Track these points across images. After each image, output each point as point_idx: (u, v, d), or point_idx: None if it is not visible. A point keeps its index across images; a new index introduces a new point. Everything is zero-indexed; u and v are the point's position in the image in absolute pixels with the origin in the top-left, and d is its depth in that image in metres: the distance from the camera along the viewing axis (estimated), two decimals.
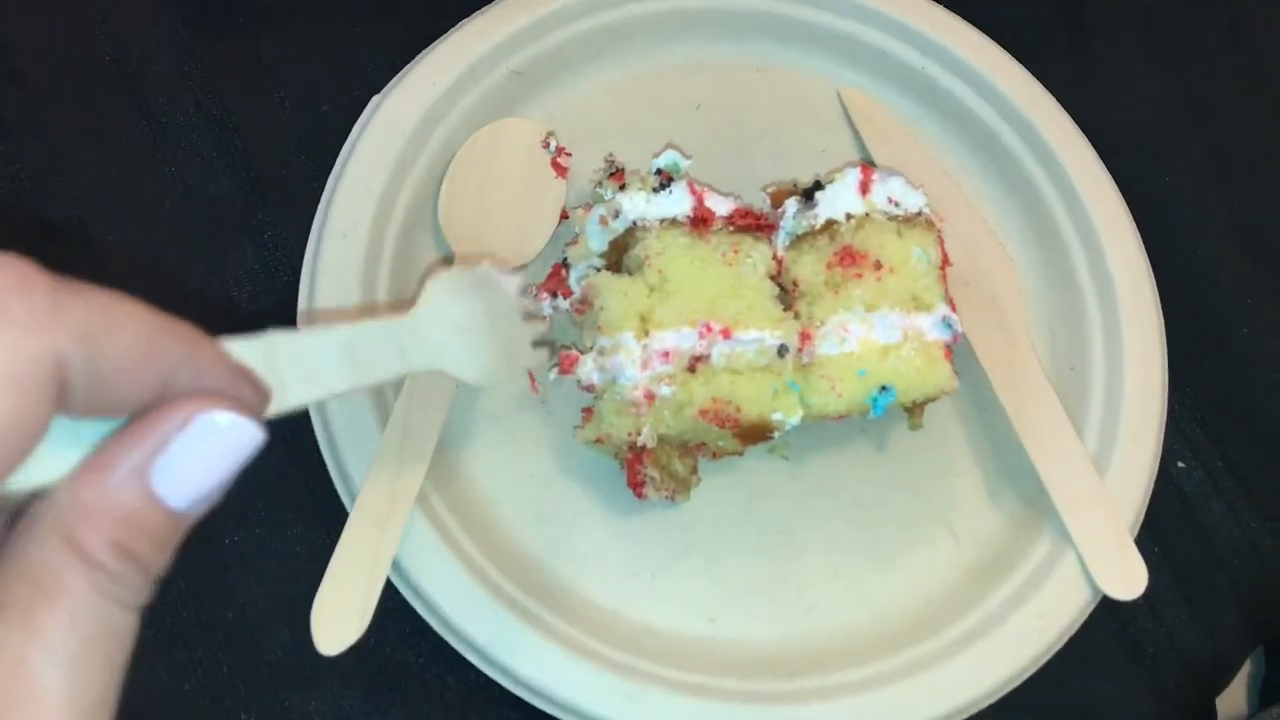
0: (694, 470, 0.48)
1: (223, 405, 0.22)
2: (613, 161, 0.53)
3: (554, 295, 0.51)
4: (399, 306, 0.49)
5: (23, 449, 0.20)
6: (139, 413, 0.22)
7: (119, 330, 0.21)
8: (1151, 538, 0.51)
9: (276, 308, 0.52)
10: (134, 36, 0.57)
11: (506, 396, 0.50)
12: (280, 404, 0.27)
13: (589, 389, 0.47)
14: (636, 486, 0.47)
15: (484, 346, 0.38)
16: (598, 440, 0.46)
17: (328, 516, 0.46)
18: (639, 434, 0.45)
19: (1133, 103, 0.62)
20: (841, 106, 0.58)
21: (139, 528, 0.21)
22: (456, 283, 0.37)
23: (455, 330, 0.36)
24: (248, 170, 0.54)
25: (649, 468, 0.47)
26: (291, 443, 0.49)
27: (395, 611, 0.45)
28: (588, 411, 0.47)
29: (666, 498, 0.47)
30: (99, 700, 0.21)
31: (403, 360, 0.34)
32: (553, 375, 0.48)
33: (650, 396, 0.45)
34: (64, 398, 0.20)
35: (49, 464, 0.22)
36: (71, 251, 0.52)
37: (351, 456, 0.46)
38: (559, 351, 0.47)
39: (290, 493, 0.49)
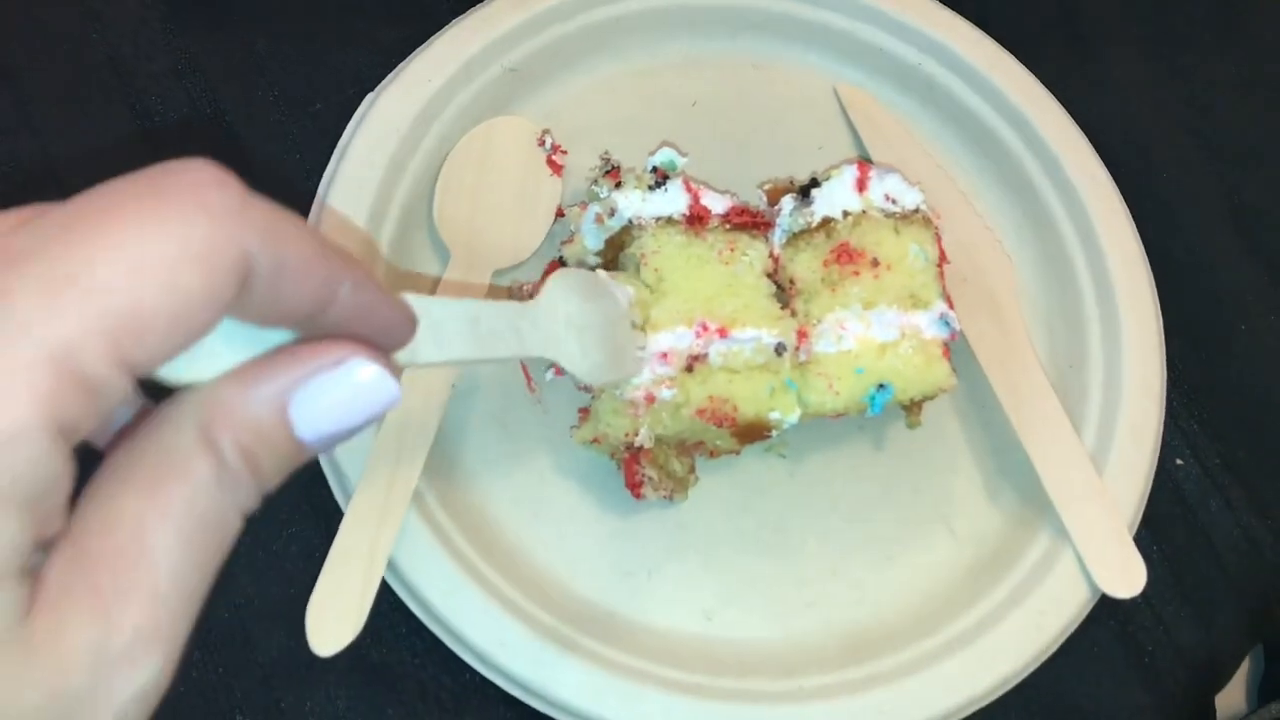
0: (692, 469, 0.48)
1: (373, 357, 0.23)
2: (608, 159, 0.53)
3: None
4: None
5: (195, 329, 0.21)
6: (299, 338, 0.23)
7: (298, 238, 0.22)
8: (1150, 535, 0.51)
9: None
10: (126, 34, 0.56)
11: (503, 396, 0.50)
12: (412, 358, 0.27)
13: (585, 389, 0.46)
14: (634, 487, 0.47)
15: (595, 345, 0.40)
16: (594, 440, 0.46)
17: (323, 517, 0.46)
18: (636, 434, 0.44)
19: (1130, 100, 0.62)
20: (838, 103, 0.58)
21: (266, 441, 0.22)
22: (574, 282, 0.39)
23: (569, 325, 0.38)
24: (242, 169, 0.54)
25: (647, 467, 0.47)
26: None
27: (390, 612, 0.45)
28: (584, 412, 0.47)
29: (664, 497, 0.47)
30: (197, 586, 0.22)
31: (520, 342, 0.35)
32: (549, 375, 0.47)
33: (650, 398, 0.45)
34: (242, 293, 0.21)
35: (205, 364, 0.22)
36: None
37: (346, 456, 0.45)
38: None
39: (285, 492, 0.48)
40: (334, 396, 0.23)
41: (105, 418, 0.21)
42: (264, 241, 0.21)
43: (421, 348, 0.28)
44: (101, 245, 0.20)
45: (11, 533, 0.19)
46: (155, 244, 0.20)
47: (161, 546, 0.21)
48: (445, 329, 0.30)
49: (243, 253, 0.21)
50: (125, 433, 0.23)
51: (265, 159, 0.54)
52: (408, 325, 0.26)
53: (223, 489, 0.22)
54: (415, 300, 0.27)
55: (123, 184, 0.21)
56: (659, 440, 0.46)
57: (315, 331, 0.23)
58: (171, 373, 0.22)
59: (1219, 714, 0.55)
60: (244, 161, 0.54)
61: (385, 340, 0.24)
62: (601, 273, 0.42)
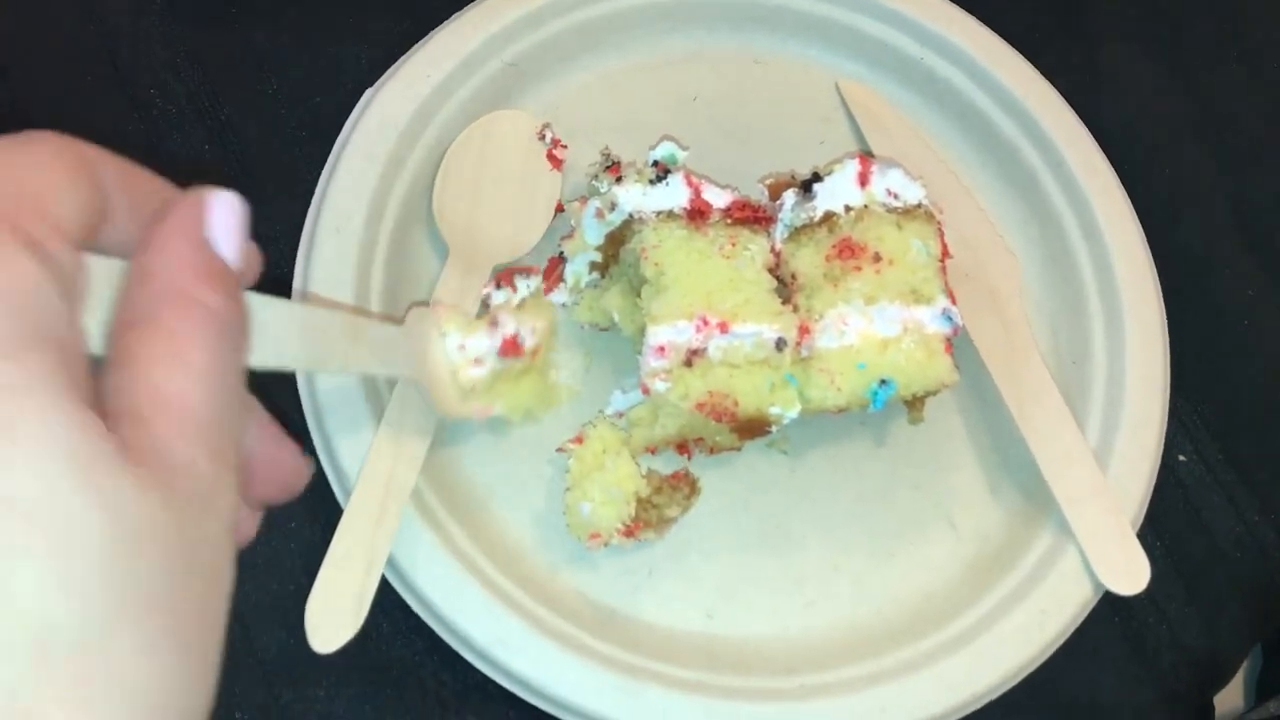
0: (685, 510, 0.48)
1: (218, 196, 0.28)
2: (609, 154, 0.53)
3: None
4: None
5: (96, 220, 0.25)
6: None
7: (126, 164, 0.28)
8: (1154, 531, 0.51)
9: None
10: (124, 27, 0.56)
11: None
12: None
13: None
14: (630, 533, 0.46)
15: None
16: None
17: (322, 514, 0.46)
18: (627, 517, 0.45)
19: (1133, 94, 0.62)
20: (840, 98, 0.58)
21: (216, 272, 0.26)
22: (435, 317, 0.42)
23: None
24: (239, 163, 0.54)
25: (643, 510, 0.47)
26: None
27: (391, 609, 0.45)
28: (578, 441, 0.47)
29: (625, 537, 0.46)
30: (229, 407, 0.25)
31: (370, 361, 0.38)
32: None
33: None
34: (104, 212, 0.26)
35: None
36: None
37: (346, 453, 0.45)
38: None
39: None
40: (223, 218, 0.28)
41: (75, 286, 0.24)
42: (95, 153, 0.26)
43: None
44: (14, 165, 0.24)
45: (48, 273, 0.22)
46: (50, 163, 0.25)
47: (197, 397, 0.24)
48: (268, 331, 0.31)
49: (88, 160, 0.26)
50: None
51: (264, 153, 0.54)
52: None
53: (217, 328, 0.25)
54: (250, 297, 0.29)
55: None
56: (650, 479, 0.47)
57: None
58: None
59: (1216, 711, 0.54)
60: (242, 155, 0.54)
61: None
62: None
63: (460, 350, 0.42)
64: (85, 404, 0.22)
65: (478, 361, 0.42)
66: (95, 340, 0.25)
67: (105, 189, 0.26)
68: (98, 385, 0.24)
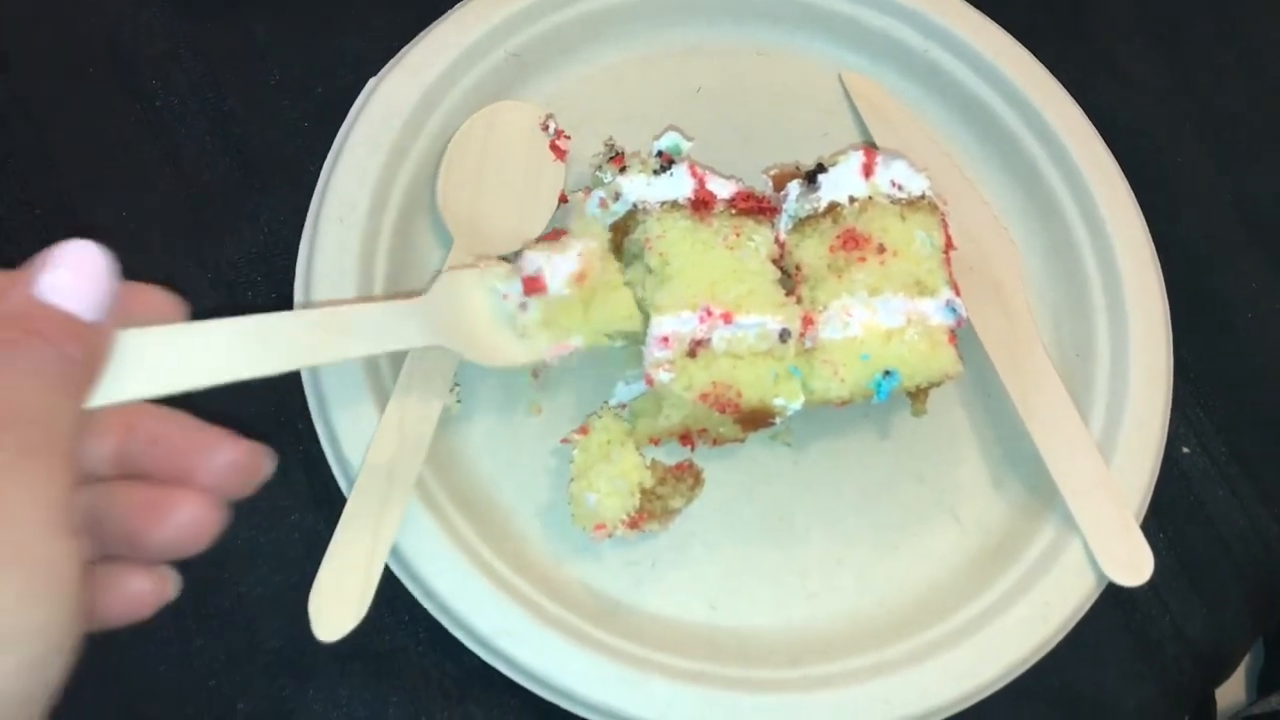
0: (689, 501, 0.48)
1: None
2: (612, 145, 0.53)
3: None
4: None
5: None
6: None
7: None
8: (1157, 524, 0.51)
9: (273, 292, 0.51)
10: (125, 17, 0.56)
11: (507, 383, 0.50)
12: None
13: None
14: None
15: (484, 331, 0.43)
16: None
17: (325, 504, 0.46)
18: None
19: (1135, 87, 0.62)
20: (843, 90, 0.58)
21: (47, 321, 0.29)
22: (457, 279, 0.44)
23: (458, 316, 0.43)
24: (242, 154, 0.54)
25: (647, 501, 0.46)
26: (289, 430, 0.48)
27: (394, 598, 0.45)
28: (583, 430, 0.47)
29: (629, 529, 0.46)
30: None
31: (393, 338, 0.42)
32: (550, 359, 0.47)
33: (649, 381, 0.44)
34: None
35: None
36: (62, 236, 0.51)
37: (349, 443, 0.45)
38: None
39: (287, 481, 0.48)
40: (68, 271, 0.30)
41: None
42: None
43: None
44: None
45: None
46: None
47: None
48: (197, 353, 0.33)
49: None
50: None
51: (266, 143, 0.54)
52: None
53: (38, 360, 0.28)
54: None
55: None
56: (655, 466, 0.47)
57: None
58: None
59: (1219, 706, 0.54)
60: (245, 146, 0.54)
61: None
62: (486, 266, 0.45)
63: (505, 300, 0.44)
64: None
65: (522, 306, 0.44)
66: None
67: None
68: None
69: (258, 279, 0.51)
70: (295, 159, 0.53)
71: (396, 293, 0.49)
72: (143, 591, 0.32)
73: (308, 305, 0.47)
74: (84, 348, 0.29)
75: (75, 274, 0.30)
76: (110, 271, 0.30)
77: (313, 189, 0.50)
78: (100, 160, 0.53)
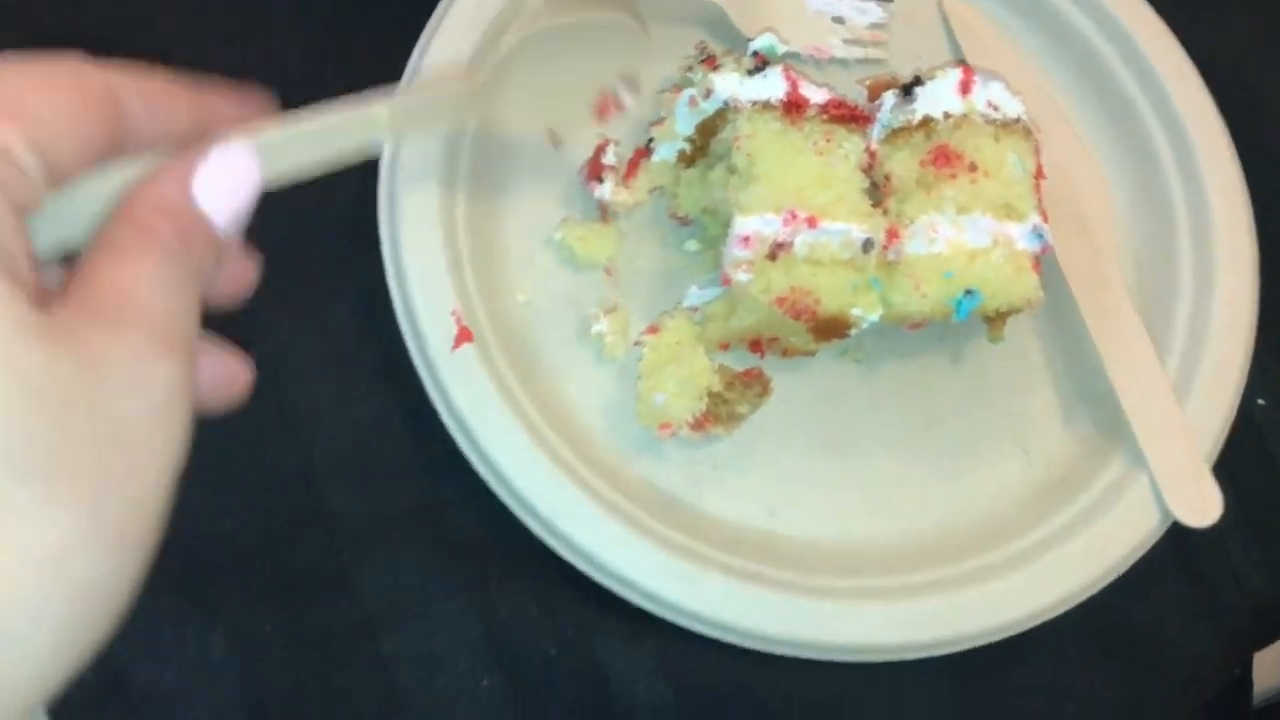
0: (755, 408, 0.47)
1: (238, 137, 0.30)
2: (705, 48, 0.52)
3: (599, 180, 0.50)
4: None
5: (96, 145, 0.27)
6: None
7: (149, 78, 0.29)
8: (1224, 473, 0.50)
9: None
10: None
11: (578, 280, 0.50)
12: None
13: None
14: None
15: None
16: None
17: (395, 380, 0.46)
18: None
19: (1246, 39, 0.60)
20: (942, 15, 0.56)
21: (188, 223, 0.28)
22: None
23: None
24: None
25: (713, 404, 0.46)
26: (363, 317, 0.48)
27: (459, 473, 0.45)
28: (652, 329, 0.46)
29: (693, 430, 0.46)
30: (185, 326, 0.27)
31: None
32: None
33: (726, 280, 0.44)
34: (121, 121, 0.28)
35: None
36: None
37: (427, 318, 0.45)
38: None
39: (360, 354, 0.48)
40: (217, 175, 0.29)
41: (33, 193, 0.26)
42: (123, 80, 0.28)
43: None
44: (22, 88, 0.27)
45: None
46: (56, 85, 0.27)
47: (146, 295, 0.26)
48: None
49: (109, 87, 0.28)
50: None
51: None
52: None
53: (173, 261, 0.27)
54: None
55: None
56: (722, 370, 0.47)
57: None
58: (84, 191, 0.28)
59: (1255, 677, 0.54)
60: None
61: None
62: None
63: None
64: (15, 283, 0.23)
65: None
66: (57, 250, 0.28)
67: (121, 119, 0.28)
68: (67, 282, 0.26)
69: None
70: None
71: None
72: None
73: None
74: (217, 263, 0.29)
75: (233, 181, 0.29)
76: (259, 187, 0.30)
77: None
78: None
